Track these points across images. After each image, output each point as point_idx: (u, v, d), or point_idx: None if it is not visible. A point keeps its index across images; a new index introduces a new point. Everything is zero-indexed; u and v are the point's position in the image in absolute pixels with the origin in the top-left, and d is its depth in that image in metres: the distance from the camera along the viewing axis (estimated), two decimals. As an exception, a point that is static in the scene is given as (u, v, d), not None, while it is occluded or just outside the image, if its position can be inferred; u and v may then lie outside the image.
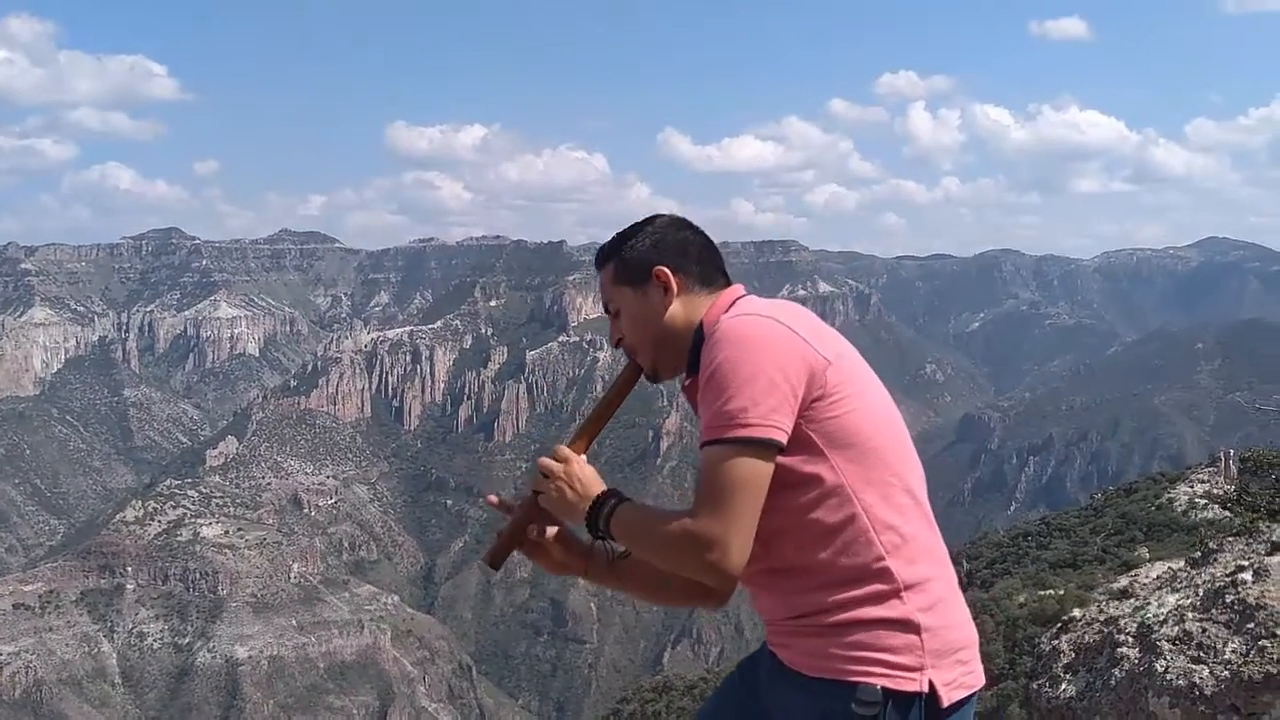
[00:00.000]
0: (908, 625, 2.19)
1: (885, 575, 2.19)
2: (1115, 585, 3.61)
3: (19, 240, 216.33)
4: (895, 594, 2.19)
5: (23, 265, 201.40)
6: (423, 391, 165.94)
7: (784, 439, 2.13)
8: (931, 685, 2.18)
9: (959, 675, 2.23)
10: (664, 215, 2.49)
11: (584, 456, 2.39)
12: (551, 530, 2.46)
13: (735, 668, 2.65)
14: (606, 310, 2.50)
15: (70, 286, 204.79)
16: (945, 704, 2.19)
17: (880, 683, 2.17)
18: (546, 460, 2.37)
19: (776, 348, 2.16)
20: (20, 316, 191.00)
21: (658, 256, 2.39)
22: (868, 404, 2.25)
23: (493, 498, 2.55)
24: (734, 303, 2.32)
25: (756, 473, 2.12)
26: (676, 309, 2.38)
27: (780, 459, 2.16)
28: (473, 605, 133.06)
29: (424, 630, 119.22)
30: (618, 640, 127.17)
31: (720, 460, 2.12)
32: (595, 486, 2.32)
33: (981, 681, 2.30)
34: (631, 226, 2.48)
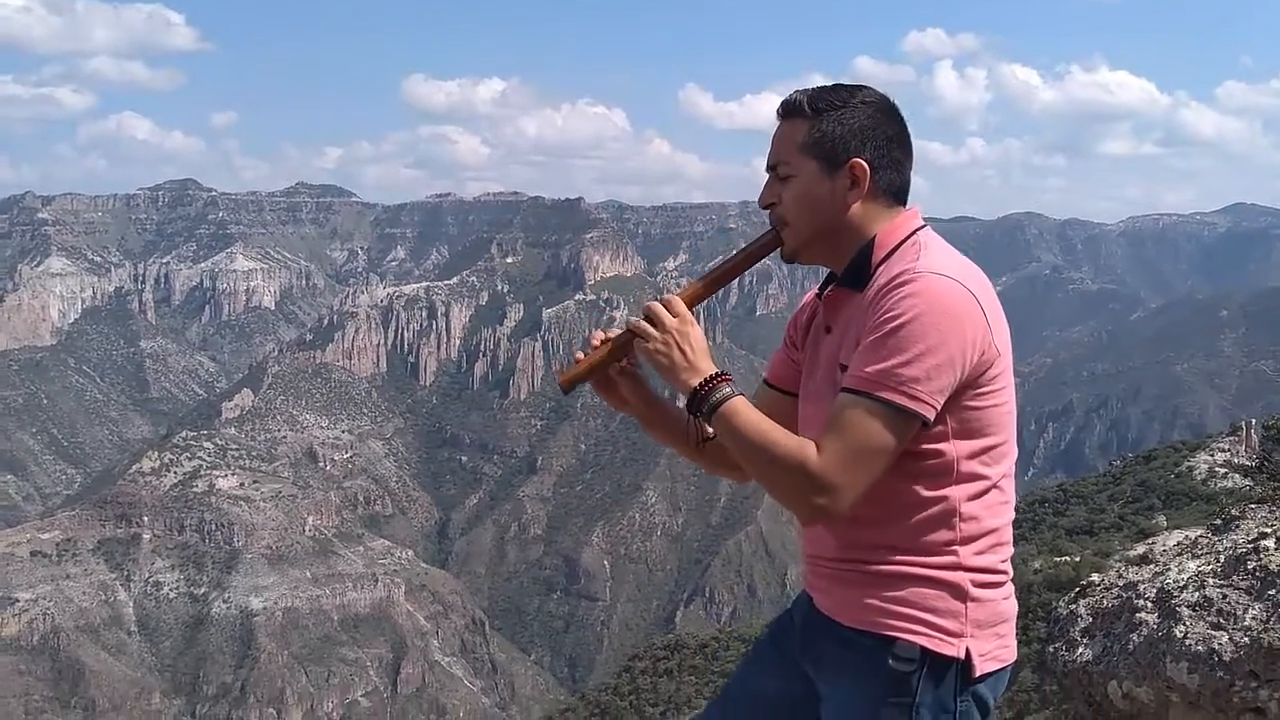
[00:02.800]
0: (957, 590, 2.16)
1: (951, 555, 2.16)
2: (1133, 552, 3.43)
3: (36, 189, 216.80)
4: (955, 568, 2.16)
5: (40, 215, 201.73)
6: (438, 347, 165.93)
7: (934, 418, 2.07)
8: (968, 653, 2.15)
9: (995, 648, 2.21)
10: (876, 93, 2.24)
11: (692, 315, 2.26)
12: (634, 372, 2.39)
13: (766, 629, 2.62)
14: (771, 167, 2.27)
15: (87, 236, 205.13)
16: (978, 674, 2.17)
17: (921, 642, 2.14)
18: (658, 308, 2.23)
19: (965, 329, 2.06)
20: (37, 266, 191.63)
21: (860, 145, 2.19)
22: (1007, 400, 2.19)
23: (599, 334, 2.38)
24: (914, 234, 2.22)
25: (897, 441, 2.05)
26: (857, 210, 2.21)
27: None
28: (486, 561, 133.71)
29: (438, 585, 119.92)
30: (630, 598, 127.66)
31: (869, 416, 2.03)
32: (707, 359, 2.19)
33: (1014, 657, 2.26)
34: (838, 88, 2.24)
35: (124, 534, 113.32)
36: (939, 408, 2.06)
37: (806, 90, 2.25)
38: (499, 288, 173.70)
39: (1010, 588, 2.27)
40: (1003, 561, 2.23)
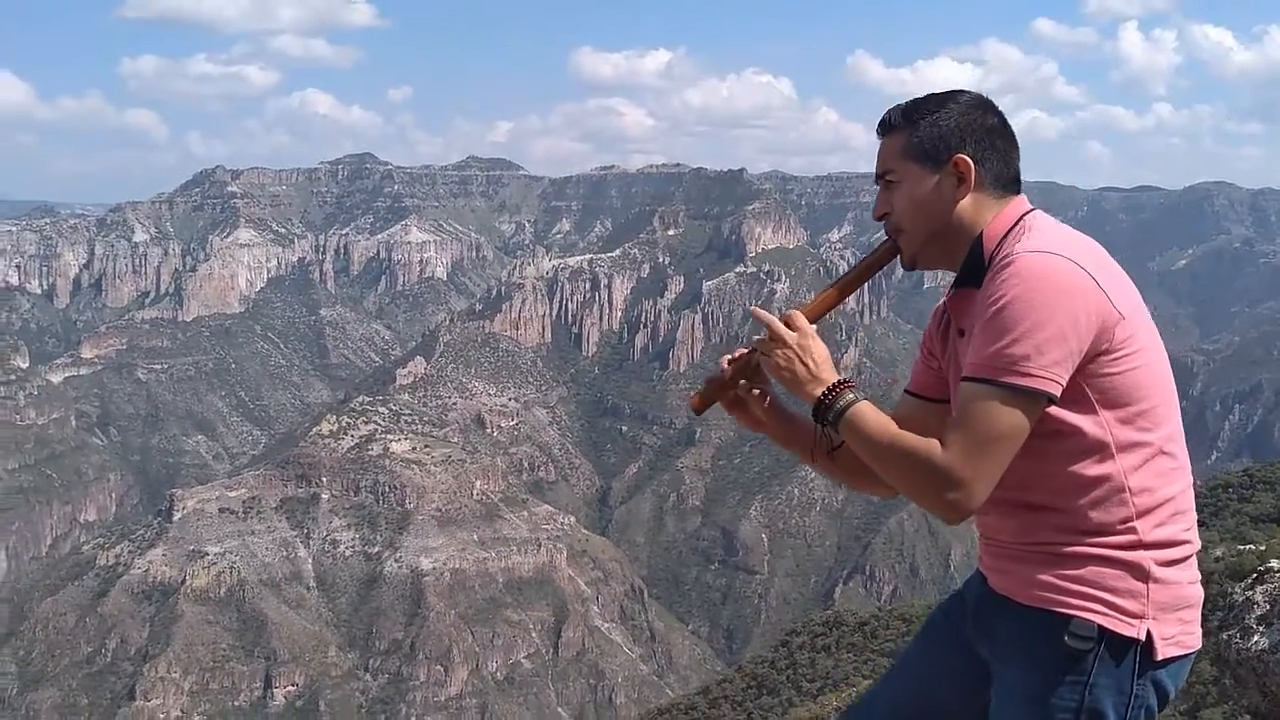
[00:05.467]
0: (1138, 570, 2.14)
1: (1131, 533, 2.15)
2: None
3: (226, 164, 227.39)
4: (1135, 546, 2.15)
5: (229, 188, 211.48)
6: (600, 319, 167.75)
7: (1059, 392, 2.07)
8: (1149, 636, 2.14)
9: (1178, 633, 2.18)
10: (971, 93, 2.30)
11: (814, 328, 2.31)
12: (760, 389, 2.44)
13: (938, 607, 2.64)
14: (879, 179, 2.35)
15: (272, 209, 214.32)
16: (1159, 658, 2.15)
17: (1099, 620, 2.14)
18: (778, 325, 2.29)
19: (1074, 296, 2.06)
20: (227, 237, 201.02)
21: (960, 142, 2.23)
22: (1148, 362, 2.17)
23: (726, 357, 2.46)
24: (1021, 219, 2.24)
25: (1021, 423, 2.05)
26: (966, 205, 2.25)
27: (1049, 409, 2.10)
28: (645, 530, 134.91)
29: (598, 551, 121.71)
30: (788, 573, 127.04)
31: (988, 402, 2.04)
32: (829, 369, 2.26)
33: (1199, 644, 2.24)
34: (930, 96, 2.30)
35: (304, 494, 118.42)
36: (1062, 382, 2.06)
37: (899, 104, 2.32)
38: (660, 260, 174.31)
39: (1196, 570, 2.25)
40: (1185, 530, 2.20)
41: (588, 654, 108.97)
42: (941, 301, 2.46)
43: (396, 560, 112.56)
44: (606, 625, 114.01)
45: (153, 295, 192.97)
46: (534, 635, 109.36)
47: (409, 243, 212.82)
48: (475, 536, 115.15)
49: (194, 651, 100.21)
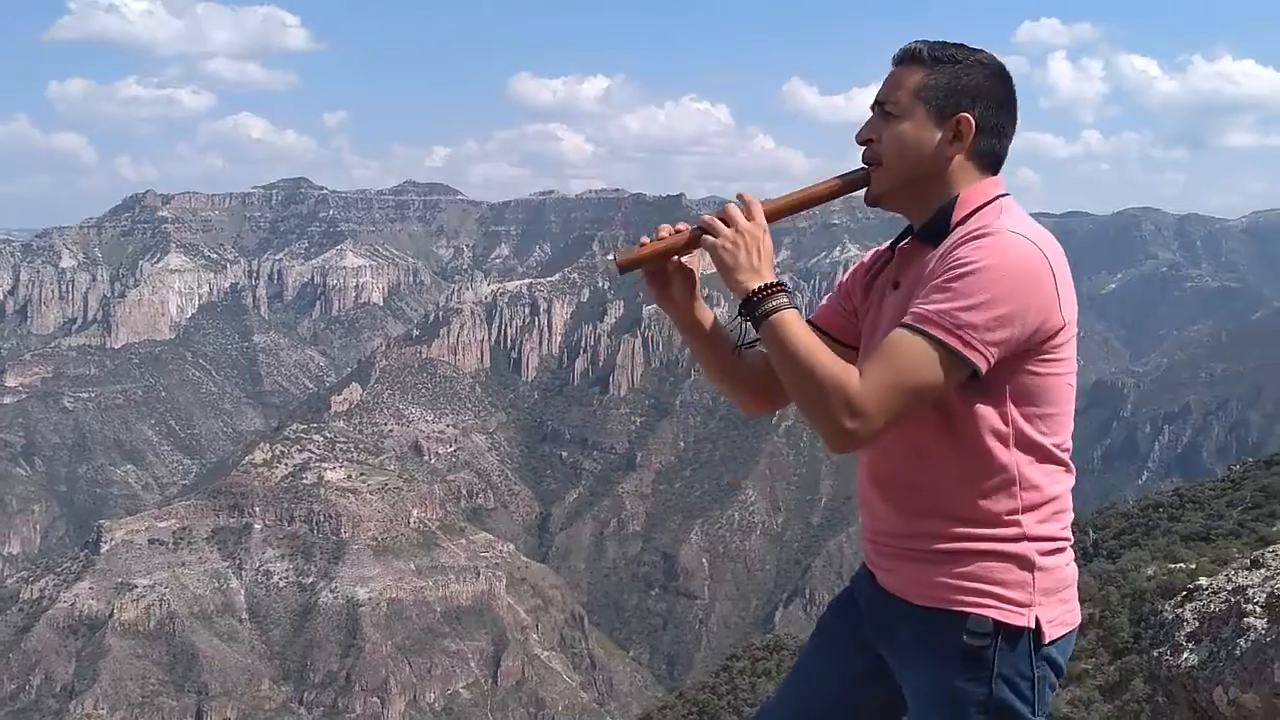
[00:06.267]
0: (1024, 561, 2.19)
1: (1016, 525, 2.18)
2: (1249, 558, 3.32)
3: (156, 188, 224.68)
4: (1020, 539, 2.19)
5: (160, 213, 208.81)
6: (540, 343, 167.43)
7: (985, 371, 2.07)
8: (1037, 621, 2.20)
9: (1061, 613, 2.24)
10: (994, 57, 2.26)
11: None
12: (689, 270, 2.42)
13: (827, 609, 2.64)
14: (878, 104, 2.29)
15: (204, 234, 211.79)
16: (1047, 640, 2.22)
17: (993, 615, 2.18)
18: (734, 208, 2.27)
19: (1034, 288, 2.07)
20: (157, 262, 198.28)
21: (971, 102, 2.21)
22: (1067, 373, 2.20)
23: (667, 227, 2.39)
24: (999, 198, 2.23)
25: (940, 383, 2.06)
26: (952, 166, 2.23)
27: (964, 384, 2.11)
28: (586, 556, 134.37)
29: (538, 579, 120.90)
30: (729, 596, 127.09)
31: (919, 352, 2.05)
32: (769, 268, 2.23)
33: (1079, 620, 2.32)
34: (961, 45, 2.25)
35: (236, 524, 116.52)
36: (992, 361, 2.07)
37: (927, 40, 2.26)
38: (600, 284, 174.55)
39: (1071, 554, 2.31)
40: (1063, 529, 2.25)
41: (527, 683, 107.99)
42: (873, 250, 2.45)
43: (331, 590, 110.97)
44: (546, 653, 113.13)
45: (80, 322, 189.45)
46: (473, 665, 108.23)
47: (344, 268, 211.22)
48: (412, 565, 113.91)
49: (122, 687, 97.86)
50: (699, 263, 2.44)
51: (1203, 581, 3.25)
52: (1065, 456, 2.23)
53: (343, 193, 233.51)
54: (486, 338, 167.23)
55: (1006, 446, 2.15)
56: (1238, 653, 2.76)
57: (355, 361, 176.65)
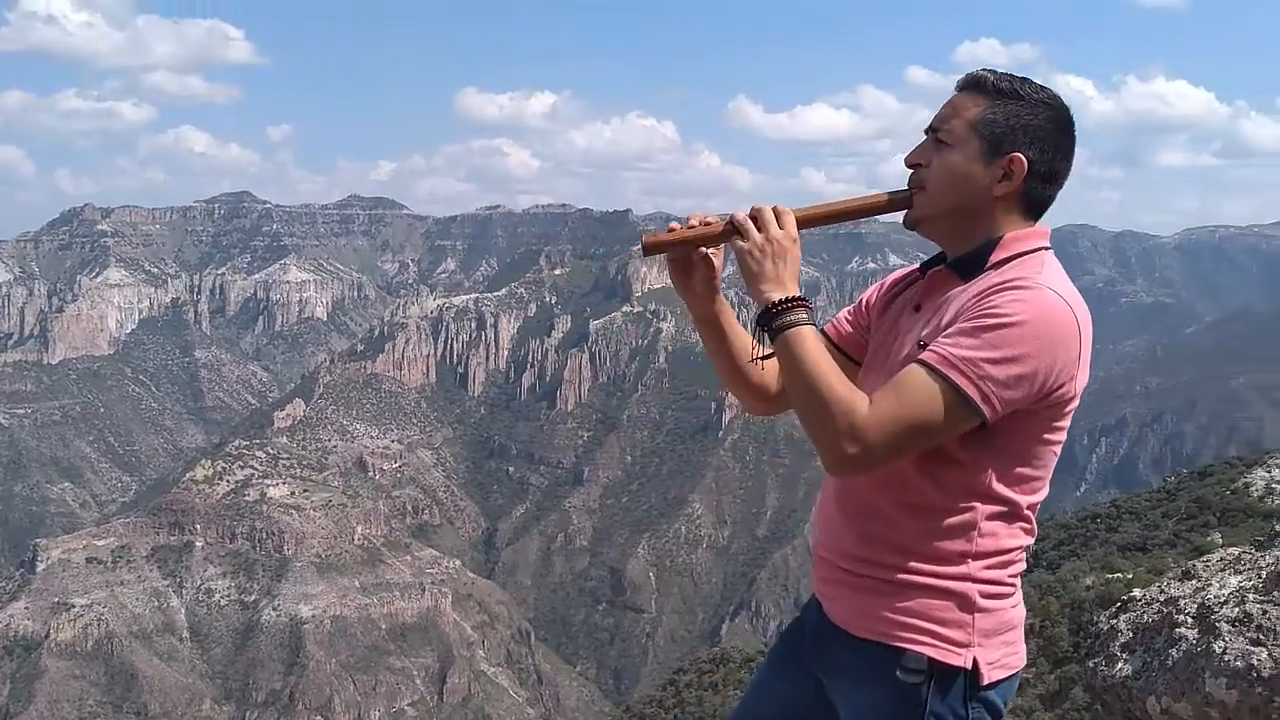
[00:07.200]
0: (964, 601, 2.16)
1: (963, 564, 2.16)
2: (1182, 568, 3.38)
3: (95, 202, 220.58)
4: (964, 579, 2.16)
5: (99, 227, 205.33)
6: (487, 359, 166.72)
7: (991, 423, 2.04)
8: (975, 662, 2.16)
9: (1002, 655, 2.21)
10: (1061, 100, 2.19)
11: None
12: (714, 262, 2.38)
13: (780, 634, 2.65)
14: (932, 129, 2.22)
15: (144, 248, 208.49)
16: (985, 682, 2.17)
17: (928, 653, 2.15)
18: (768, 214, 2.22)
19: (1060, 354, 2.03)
20: (96, 277, 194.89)
21: (1029, 143, 2.14)
22: (1059, 441, 2.20)
23: (698, 216, 2.35)
24: (1040, 250, 2.19)
25: (948, 428, 2.03)
26: (999, 205, 2.18)
27: (965, 433, 2.08)
28: (532, 572, 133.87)
29: (484, 595, 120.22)
30: (676, 610, 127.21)
31: (934, 393, 2.01)
32: (794, 281, 2.18)
33: (1023, 662, 2.28)
34: (1026, 80, 2.19)
35: (177, 541, 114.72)
36: (1002, 414, 2.04)
37: (994, 69, 2.20)
38: (547, 299, 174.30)
39: (1019, 596, 2.28)
40: (1012, 578, 2.22)
41: (474, 699, 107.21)
42: (899, 272, 2.42)
43: (274, 608, 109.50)
44: (493, 670, 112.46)
45: (16, 337, 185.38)
46: (418, 682, 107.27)
47: (288, 282, 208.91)
48: (357, 583, 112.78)
49: (59, 709, 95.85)
50: (722, 258, 2.43)
51: (1136, 593, 3.34)
52: (1031, 516, 2.21)
53: (287, 207, 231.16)
54: (432, 353, 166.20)
55: (975, 496, 2.13)
56: (1170, 663, 2.85)
57: (299, 377, 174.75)
